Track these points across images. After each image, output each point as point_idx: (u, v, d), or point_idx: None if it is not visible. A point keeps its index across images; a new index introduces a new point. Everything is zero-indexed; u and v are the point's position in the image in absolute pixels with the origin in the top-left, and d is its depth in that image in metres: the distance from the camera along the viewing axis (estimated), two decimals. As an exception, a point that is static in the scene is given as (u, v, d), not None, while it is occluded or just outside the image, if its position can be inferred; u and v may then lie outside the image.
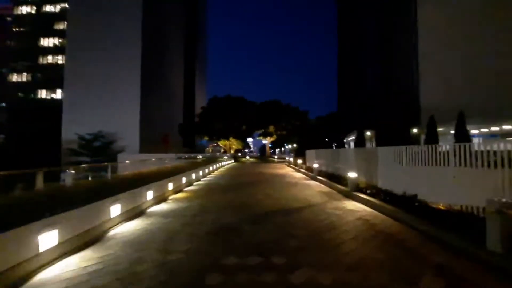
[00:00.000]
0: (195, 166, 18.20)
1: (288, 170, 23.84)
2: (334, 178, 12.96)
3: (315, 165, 16.48)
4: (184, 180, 12.94)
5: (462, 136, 10.47)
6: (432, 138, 24.05)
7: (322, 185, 13.47)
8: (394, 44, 50.48)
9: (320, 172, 16.10)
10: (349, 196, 9.43)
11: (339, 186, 11.21)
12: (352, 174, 9.70)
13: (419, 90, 46.93)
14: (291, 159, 28.98)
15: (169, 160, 21.36)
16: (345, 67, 72.87)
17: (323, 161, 17.10)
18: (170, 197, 10.31)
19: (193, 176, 15.02)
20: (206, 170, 19.45)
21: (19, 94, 60.50)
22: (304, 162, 22.73)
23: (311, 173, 17.58)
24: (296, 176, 18.24)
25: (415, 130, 40.99)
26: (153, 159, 18.87)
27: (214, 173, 21.49)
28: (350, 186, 9.71)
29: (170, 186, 10.76)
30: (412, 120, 43.65)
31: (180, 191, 11.86)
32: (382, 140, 39.24)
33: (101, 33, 55.91)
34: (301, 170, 21.55)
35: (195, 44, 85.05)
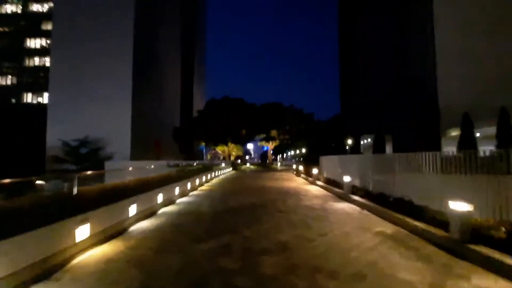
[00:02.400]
0: (181, 177, 13.43)
1: (299, 182, 18.73)
2: (397, 204, 7.84)
3: (346, 179, 11.39)
4: (148, 202, 7.93)
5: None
6: (468, 140, 18.32)
7: (387, 222, 8.27)
8: (409, 42, 45.97)
9: (355, 190, 11.01)
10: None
11: (433, 230, 5.95)
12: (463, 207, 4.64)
13: (437, 91, 42.11)
14: (301, 167, 23.85)
15: (157, 168, 17.39)
16: (349, 68, 68.37)
17: (356, 172, 12.02)
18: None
19: (165, 195, 10.00)
20: (192, 184, 14.41)
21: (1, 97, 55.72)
22: (320, 172, 17.64)
23: (337, 189, 12.54)
24: (317, 194, 13.19)
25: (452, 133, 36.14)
26: (130, 168, 14.15)
27: (202, 187, 16.42)
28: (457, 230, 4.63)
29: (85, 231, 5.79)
30: (430, 122, 38.72)
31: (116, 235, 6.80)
32: (400, 144, 33.86)
33: (89, 33, 51.52)
34: (317, 182, 16.45)
35: (193, 45, 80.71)
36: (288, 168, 41.75)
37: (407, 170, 8.46)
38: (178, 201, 11.01)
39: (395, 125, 43.66)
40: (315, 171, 17.75)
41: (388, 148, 43.37)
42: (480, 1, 39.58)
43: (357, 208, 9.20)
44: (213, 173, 23.20)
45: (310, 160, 26.86)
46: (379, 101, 50.73)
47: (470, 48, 39.81)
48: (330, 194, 12.79)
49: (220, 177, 24.55)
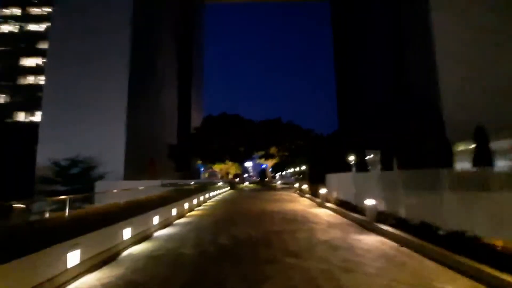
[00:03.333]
0: (167, 201, 11.18)
1: (305, 204, 16.23)
2: (454, 242, 5.42)
3: (368, 202, 9.02)
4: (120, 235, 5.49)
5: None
6: (484, 155, 15.02)
7: (450, 272, 5.74)
8: (409, 54, 44.93)
9: (382, 217, 8.60)
10: None
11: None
12: None
13: (440, 102, 40.45)
14: (304, 186, 21.36)
15: (148, 189, 15.94)
16: (346, 84, 67.34)
17: (379, 192, 9.64)
18: None
19: (137, 228, 7.55)
20: (179, 209, 11.91)
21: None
22: (328, 191, 15.22)
23: (354, 214, 10.10)
24: (331, 221, 10.76)
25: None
26: (115, 190, 11.91)
27: (193, 212, 13.89)
28: None
29: None
30: (434, 135, 36.69)
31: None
32: (404, 161, 31.43)
33: (84, 52, 50.26)
34: (327, 204, 13.98)
35: (191, 62, 79.95)
36: (288, 187, 39.16)
37: (462, 188, 6.14)
38: (156, 234, 8.51)
39: (397, 140, 41.66)
40: (323, 190, 15.31)
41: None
42: (483, 9, 38.73)
43: (393, 244, 6.75)
44: (208, 194, 20.66)
45: (313, 178, 24.49)
46: (379, 115, 49.05)
47: (475, 58, 38.62)
48: (348, 221, 10.31)
49: (216, 198, 21.96)
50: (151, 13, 59.46)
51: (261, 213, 12.61)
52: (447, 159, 22.27)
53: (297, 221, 10.42)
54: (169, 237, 8.09)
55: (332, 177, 16.33)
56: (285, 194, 24.05)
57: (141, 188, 19.46)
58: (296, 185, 26.78)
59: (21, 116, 54.99)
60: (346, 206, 12.15)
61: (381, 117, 47.58)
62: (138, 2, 53.59)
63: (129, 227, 7.25)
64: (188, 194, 15.91)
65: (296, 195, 23.31)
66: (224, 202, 18.43)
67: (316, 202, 16.15)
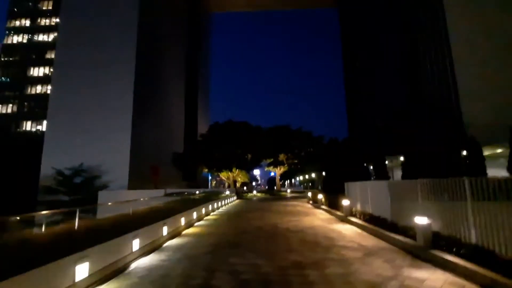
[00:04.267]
0: (164, 214, 8.88)
1: (323, 218, 13.61)
2: None
3: (420, 220, 6.46)
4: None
5: None
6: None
7: None
8: (423, 57, 42.26)
9: (444, 242, 5.99)
10: None
11: None
12: None
13: (460, 106, 37.49)
14: (320, 196, 18.71)
15: (150, 200, 14.45)
16: (356, 90, 64.77)
17: (430, 207, 7.05)
18: None
19: (97, 264, 5.12)
20: (170, 227, 9.50)
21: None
22: (352, 203, 12.65)
23: (398, 236, 7.51)
24: (366, 245, 8.17)
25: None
26: (109, 204, 9.89)
27: (191, 229, 11.48)
28: None
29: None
30: (453, 141, 33.73)
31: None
32: (419, 168, 28.43)
33: (91, 62, 49.31)
34: (353, 220, 11.34)
35: (198, 71, 78.75)
36: (299, 196, 36.40)
37: None
38: (132, 266, 6.10)
39: (411, 146, 38.67)
40: (345, 202, 12.70)
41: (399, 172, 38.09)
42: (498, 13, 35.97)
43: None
44: (212, 205, 18.23)
45: (328, 187, 21.86)
46: (391, 122, 46.20)
47: (494, 58, 35.72)
48: (388, 244, 7.69)
49: (220, 210, 19.48)
50: (157, 22, 58.61)
51: (272, 231, 10.08)
52: (479, 166, 18.96)
53: (321, 244, 7.86)
54: (147, 274, 5.67)
55: (354, 186, 13.73)
56: (298, 205, 21.39)
57: (142, 199, 17.38)
58: (309, 194, 24.09)
59: (28, 126, 54.02)
60: (378, 223, 9.56)
61: (395, 123, 44.72)
62: (145, 11, 52.72)
63: (86, 261, 4.90)
64: (189, 206, 13.57)
65: (309, 206, 20.65)
66: (229, 216, 15.91)
67: (337, 216, 13.52)
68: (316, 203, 19.68)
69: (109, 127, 47.48)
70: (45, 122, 51.96)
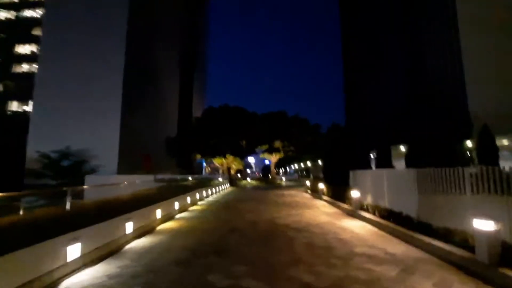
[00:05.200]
0: (137, 205, 6.63)
1: (328, 212, 11.55)
2: None
3: (481, 224, 4.23)
4: None
5: None
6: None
7: None
8: (428, 42, 39.84)
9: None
10: None
11: None
12: None
13: (466, 93, 35.45)
14: (321, 186, 16.65)
15: (135, 185, 12.45)
16: (355, 76, 62.18)
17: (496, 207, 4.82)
18: None
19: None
20: (147, 219, 7.28)
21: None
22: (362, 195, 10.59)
23: (436, 242, 5.33)
24: (399, 255, 5.97)
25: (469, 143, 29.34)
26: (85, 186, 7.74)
27: (169, 223, 9.32)
28: None
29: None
30: (458, 130, 31.92)
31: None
32: (420, 157, 26.53)
33: (79, 41, 46.00)
34: (364, 215, 9.26)
35: (193, 55, 75.21)
36: (295, 185, 34.52)
37: None
38: (65, 284, 3.96)
39: (412, 136, 36.85)
40: (354, 194, 10.62)
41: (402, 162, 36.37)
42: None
43: None
44: (200, 193, 16.12)
45: (329, 175, 19.85)
46: (392, 109, 44.13)
47: (504, 47, 33.52)
48: (424, 253, 5.60)
49: (210, 198, 17.36)
50: (151, 1, 54.83)
51: (270, 229, 7.96)
52: (492, 155, 16.56)
53: (335, 251, 5.76)
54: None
55: (364, 175, 11.67)
56: (295, 195, 19.37)
57: (121, 185, 15.24)
58: (307, 183, 22.08)
59: (14, 106, 50.80)
60: (400, 221, 7.51)
61: (398, 113, 42.69)
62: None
63: None
64: (173, 193, 11.45)
65: (308, 196, 18.65)
66: (220, 205, 13.81)
67: (343, 210, 11.47)
68: (315, 193, 17.67)
69: (98, 110, 44.71)
70: (31, 103, 48.85)
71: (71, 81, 45.36)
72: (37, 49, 50.64)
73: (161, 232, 7.78)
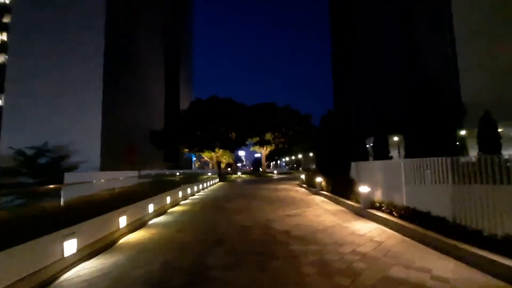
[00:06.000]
0: (98, 209, 4.49)
1: (331, 210, 9.77)
2: None
3: None
4: None
5: None
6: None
7: None
8: (420, 30, 38.46)
9: None
10: None
11: None
12: None
13: (458, 82, 34.40)
14: (319, 180, 14.90)
15: (114, 182, 11.49)
16: (343, 64, 60.48)
17: None
18: None
19: None
20: (107, 231, 5.24)
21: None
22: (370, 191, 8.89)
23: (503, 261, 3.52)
24: (451, 280, 4.06)
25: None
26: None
27: (139, 233, 7.31)
28: None
29: None
30: (451, 120, 30.80)
31: None
32: (414, 147, 25.31)
33: (54, 29, 42.38)
34: (377, 214, 7.48)
35: (178, 45, 71.88)
36: (287, 178, 32.91)
37: None
38: None
39: (406, 125, 35.75)
40: (363, 189, 8.88)
41: (397, 152, 35.30)
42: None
43: None
44: (184, 190, 14.16)
45: (324, 167, 18.21)
46: (384, 97, 42.88)
47: (495, 32, 32.45)
48: (480, 272, 3.86)
49: (195, 196, 15.40)
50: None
51: (266, 240, 6.09)
52: (494, 144, 15.06)
53: (363, 278, 3.97)
54: None
55: (372, 166, 9.98)
56: (290, 189, 17.63)
57: (102, 181, 13.49)
58: (302, 176, 20.36)
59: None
60: (430, 224, 5.83)
61: (388, 102, 41.44)
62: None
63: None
64: (151, 192, 9.49)
65: (303, 190, 16.96)
66: (205, 205, 11.87)
67: (348, 207, 9.73)
68: (312, 187, 15.96)
69: (77, 102, 41.55)
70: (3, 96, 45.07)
71: (45, 71, 41.92)
72: (8, 37, 46.59)
73: (122, 248, 5.82)
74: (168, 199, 10.84)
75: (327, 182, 13.43)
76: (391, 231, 6.53)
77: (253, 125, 39.99)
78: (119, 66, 46.05)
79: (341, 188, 11.84)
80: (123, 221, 6.78)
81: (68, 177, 38.08)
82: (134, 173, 35.59)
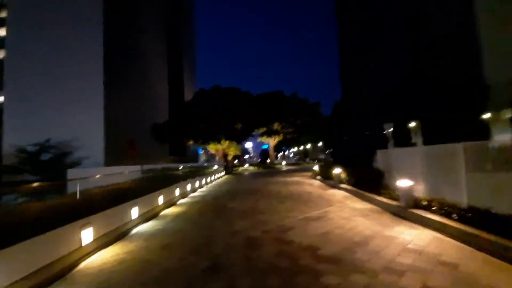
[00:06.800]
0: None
1: (361, 209, 7.68)
2: None
3: None
4: None
5: None
6: None
7: None
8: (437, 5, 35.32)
9: None
10: None
11: None
12: None
13: (480, 62, 31.39)
14: (337, 171, 12.78)
15: (112, 177, 11.39)
16: (352, 45, 57.07)
17: None
18: None
19: None
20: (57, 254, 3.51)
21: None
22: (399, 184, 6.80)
23: None
24: None
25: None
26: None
27: (110, 250, 5.40)
28: None
29: None
30: (472, 105, 28.15)
31: None
32: (432, 133, 22.84)
33: (52, 21, 40.64)
34: (430, 218, 5.39)
35: (181, 34, 69.58)
36: (297, 169, 30.92)
37: None
38: None
39: (421, 110, 33.11)
40: (404, 183, 6.81)
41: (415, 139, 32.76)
42: None
43: None
44: (185, 187, 12.36)
45: (340, 158, 16.20)
46: (395, 82, 40.04)
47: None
48: None
49: (195, 193, 13.55)
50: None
51: (285, 265, 4.17)
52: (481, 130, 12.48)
53: None
54: None
55: (410, 156, 7.93)
56: (303, 182, 15.63)
57: (98, 177, 11.94)
58: (315, 167, 18.30)
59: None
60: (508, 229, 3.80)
61: (400, 87, 38.58)
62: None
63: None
64: (147, 190, 7.70)
65: (318, 183, 14.95)
66: (205, 205, 9.97)
67: (381, 206, 7.69)
68: (328, 180, 13.94)
69: (79, 97, 40.09)
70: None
71: (46, 66, 40.47)
72: (7, 32, 45.15)
73: (80, 279, 3.98)
74: (161, 199, 9.01)
75: (348, 174, 11.39)
76: (458, 244, 4.51)
77: (259, 115, 37.88)
78: (120, 59, 44.29)
79: (366, 181, 9.83)
80: (88, 236, 4.94)
81: (71, 173, 36.35)
82: (137, 168, 33.99)
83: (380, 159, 10.45)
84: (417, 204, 6.60)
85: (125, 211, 6.63)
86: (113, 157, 39.74)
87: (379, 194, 8.47)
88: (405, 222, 6.12)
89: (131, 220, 6.73)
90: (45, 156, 37.21)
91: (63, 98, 40.22)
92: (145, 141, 43.78)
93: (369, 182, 9.68)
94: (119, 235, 5.85)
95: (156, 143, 46.27)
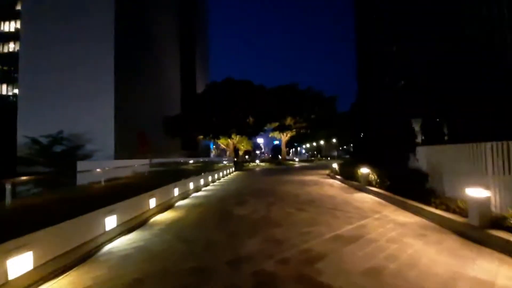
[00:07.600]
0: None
1: (413, 227, 5.66)
2: None
3: None
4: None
5: None
6: None
7: None
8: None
9: None
10: None
11: None
12: None
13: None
14: (365, 171, 10.71)
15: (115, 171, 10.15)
16: (372, 37, 53.37)
17: None
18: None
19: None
20: None
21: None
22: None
23: None
24: None
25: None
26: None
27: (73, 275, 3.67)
28: None
29: None
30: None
31: None
32: (462, 128, 20.30)
33: (64, 14, 39.95)
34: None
35: (194, 27, 68.04)
36: (311, 166, 28.85)
37: None
38: None
39: (450, 106, 30.11)
40: (476, 192, 4.79)
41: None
42: None
43: None
44: (187, 185, 10.73)
45: (363, 156, 14.11)
46: (420, 74, 36.96)
47: None
48: None
49: (199, 193, 11.83)
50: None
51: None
52: None
53: None
54: None
55: (473, 153, 5.87)
56: (321, 183, 13.66)
57: (99, 170, 10.30)
58: (334, 165, 16.26)
59: (3, 90, 46.11)
60: None
61: (425, 80, 35.51)
62: None
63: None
64: (137, 191, 6.05)
65: (338, 183, 12.97)
66: (207, 211, 8.22)
67: (435, 219, 5.68)
68: (350, 181, 11.92)
69: (90, 90, 39.37)
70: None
71: (57, 59, 39.91)
72: (21, 25, 44.94)
73: None
74: (153, 202, 7.34)
75: (379, 175, 9.35)
76: None
77: (272, 108, 35.92)
78: (132, 52, 43.25)
79: (405, 185, 7.80)
80: (25, 264, 3.28)
81: (80, 165, 35.29)
82: (147, 161, 32.64)
83: (422, 158, 8.38)
84: (498, 222, 4.59)
85: (97, 221, 4.97)
86: (124, 150, 38.94)
87: (428, 203, 6.46)
88: (485, 250, 4.14)
89: (104, 232, 5.06)
90: (57, 148, 36.82)
91: (75, 90, 39.64)
92: (157, 135, 42.77)
93: (408, 186, 7.68)
94: (87, 254, 4.19)
95: (169, 137, 45.22)
